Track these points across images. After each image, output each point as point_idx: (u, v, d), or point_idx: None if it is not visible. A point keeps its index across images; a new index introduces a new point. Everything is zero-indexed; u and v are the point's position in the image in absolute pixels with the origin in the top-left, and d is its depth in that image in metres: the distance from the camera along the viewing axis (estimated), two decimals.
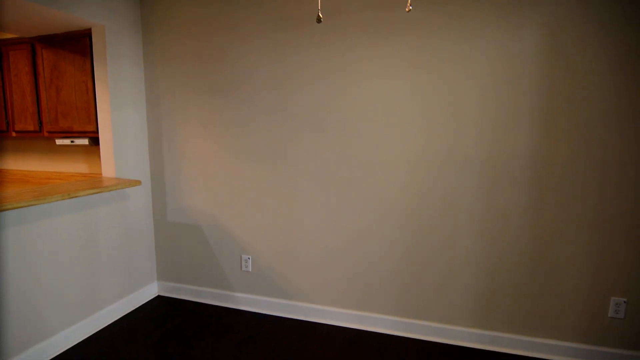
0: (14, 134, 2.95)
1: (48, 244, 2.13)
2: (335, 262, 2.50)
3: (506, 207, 2.13)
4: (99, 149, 2.94)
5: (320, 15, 1.05)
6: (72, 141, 2.77)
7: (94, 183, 2.36)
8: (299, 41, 2.36)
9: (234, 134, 2.60)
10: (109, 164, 2.62)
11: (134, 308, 2.77)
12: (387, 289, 2.41)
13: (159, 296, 2.99)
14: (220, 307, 2.81)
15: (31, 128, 2.86)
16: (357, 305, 2.49)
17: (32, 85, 2.79)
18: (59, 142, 2.80)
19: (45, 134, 2.83)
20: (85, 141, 2.73)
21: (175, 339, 2.37)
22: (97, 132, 2.65)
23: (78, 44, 2.60)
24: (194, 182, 2.77)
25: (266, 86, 2.48)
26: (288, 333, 2.44)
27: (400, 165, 2.27)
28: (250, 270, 2.72)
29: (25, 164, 3.36)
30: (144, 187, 2.85)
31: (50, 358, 2.15)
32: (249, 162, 2.59)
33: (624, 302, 2.01)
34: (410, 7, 1.16)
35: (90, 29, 2.53)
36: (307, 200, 2.49)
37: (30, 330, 2.05)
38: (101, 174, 2.69)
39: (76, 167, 3.11)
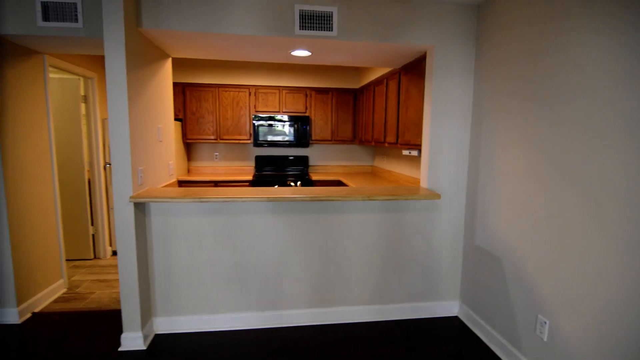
0: (386, 145, 3.82)
1: (354, 232, 2.68)
2: None
3: None
4: None
5: None
6: (409, 152, 3.20)
7: (398, 190, 2.63)
8: None
9: (553, 159, 1.94)
10: (424, 174, 2.80)
11: (424, 316, 2.84)
12: None
13: (457, 318, 2.85)
14: None
15: (392, 140, 3.59)
16: None
17: (396, 106, 3.49)
18: (404, 152, 3.33)
19: (399, 145, 3.45)
20: (415, 153, 3.07)
21: None
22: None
23: (419, 67, 2.94)
24: (501, 207, 2.35)
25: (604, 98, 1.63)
26: None
27: None
28: (545, 339, 1.96)
29: (397, 168, 4.26)
30: (456, 202, 2.78)
31: (336, 322, 2.73)
32: (564, 194, 1.85)
33: None
34: None
35: (425, 53, 2.78)
36: None
37: (328, 294, 2.71)
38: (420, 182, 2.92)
39: (416, 173, 3.55)
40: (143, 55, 2.46)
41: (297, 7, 2.43)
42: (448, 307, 2.88)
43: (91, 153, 3.87)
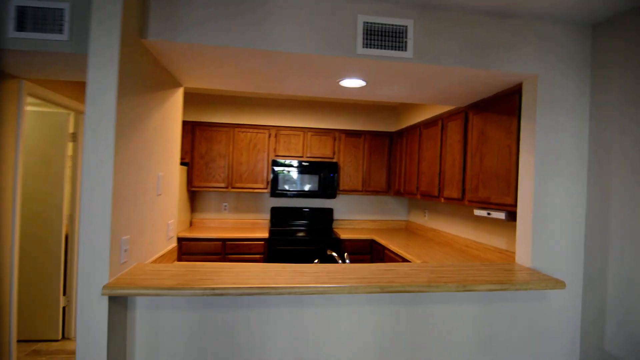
0: (442, 200, 3.06)
1: (439, 327, 1.83)
2: None
3: None
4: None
5: None
6: (488, 213, 2.42)
7: (499, 274, 1.82)
8: None
9: None
10: (524, 248, 2.00)
11: None
12: None
13: None
14: None
15: (455, 196, 2.83)
16: None
17: (461, 153, 2.77)
18: (476, 212, 2.56)
19: (466, 203, 2.68)
20: (501, 215, 2.30)
21: None
22: (515, 205, 2.14)
23: (505, 104, 2.25)
24: None
25: None
26: None
27: None
28: None
29: (450, 228, 3.46)
30: (571, 290, 1.96)
31: None
32: None
33: None
34: None
35: (520, 85, 2.11)
36: None
37: None
38: (515, 257, 2.12)
39: (494, 240, 2.75)
40: (145, 78, 1.78)
41: (361, 19, 1.78)
42: None
43: (74, 203, 3.11)
